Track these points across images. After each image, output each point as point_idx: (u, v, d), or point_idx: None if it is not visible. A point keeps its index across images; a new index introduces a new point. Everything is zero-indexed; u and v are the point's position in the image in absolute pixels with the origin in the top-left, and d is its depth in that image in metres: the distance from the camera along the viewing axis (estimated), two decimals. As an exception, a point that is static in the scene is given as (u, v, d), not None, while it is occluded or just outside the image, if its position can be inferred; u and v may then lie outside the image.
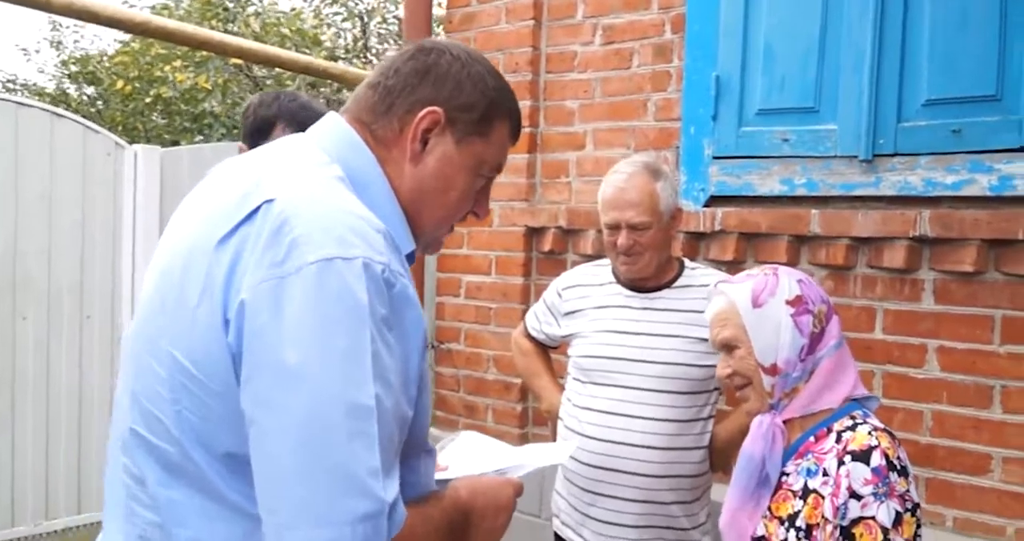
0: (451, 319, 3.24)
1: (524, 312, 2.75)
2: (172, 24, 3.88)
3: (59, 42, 11.68)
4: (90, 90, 11.39)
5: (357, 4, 10.24)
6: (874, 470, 1.28)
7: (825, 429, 1.40)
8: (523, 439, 3.06)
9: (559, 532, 2.09)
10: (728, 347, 1.47)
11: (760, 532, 1.41)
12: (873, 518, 1.25)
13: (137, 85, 9.97)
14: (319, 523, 0.82)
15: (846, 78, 2.36)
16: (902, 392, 2.28)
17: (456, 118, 1.05)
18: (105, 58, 11.13)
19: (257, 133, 1.86)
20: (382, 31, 10.35)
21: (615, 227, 1.95)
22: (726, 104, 2.59)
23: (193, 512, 0.91)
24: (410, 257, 1.04)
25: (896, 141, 2.28)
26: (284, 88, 8.08)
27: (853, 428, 1.36)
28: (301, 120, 1.80)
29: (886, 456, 1.29)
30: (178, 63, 9.44)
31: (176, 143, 9.46)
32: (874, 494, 1.26)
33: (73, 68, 11.33)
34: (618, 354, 1.96)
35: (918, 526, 1.28)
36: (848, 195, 2.36)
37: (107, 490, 1.03)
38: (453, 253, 3.21)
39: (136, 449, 0.95)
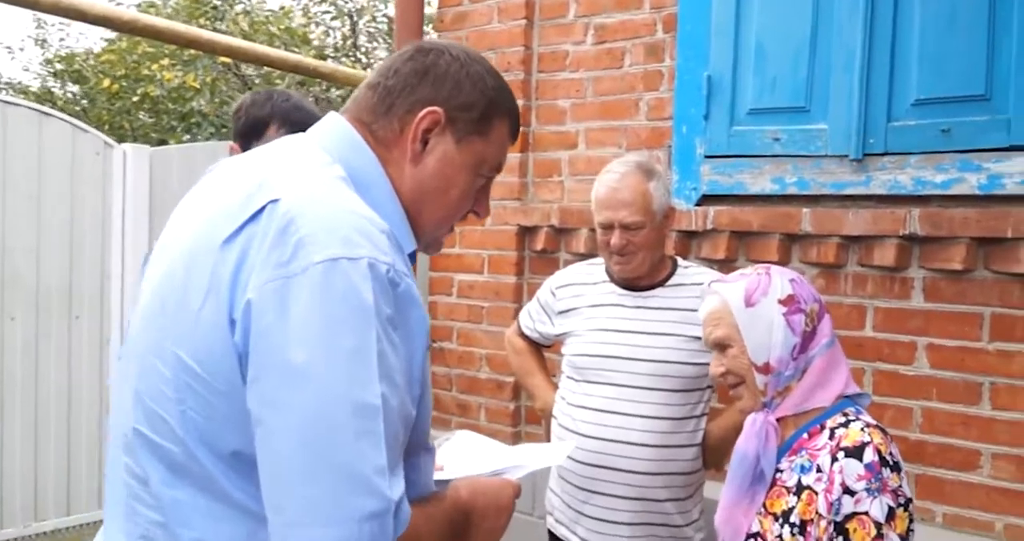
0: (444, 318, 3.25)
1: (517, 311, 2.76)
2: (161, 22, 3.86)
3: (44, 40, 11.58)
4: (75, 88, 11.31)
5: (346, 2, 10.22)
6: (867, 466, 1.29)
7: (818, 426, 1.41)
8: (516, 437, 3.06)
9: (553, 530, 2.10)
10: (721, 346, 1.48)
11: (755, 528, 1.42)
12: (866, 513, 1.27)
13: (124, 84, 9.91)
14: (326, 522, 0.82)
15: (837, 78, 2.37)
16: (892, 389, 2.30)
17: (456, 118, 1.05)
18: (91, 56, 11.05)
19: (250, 133, 1.85)
20: (371, 30, 10.33)
21: (608, 227, 1.96)
22: (718, 103, 2.60)
23: (197, 512, 0.91)
24: (411, 257, 1.04)
25: (886, 140, 2.30)
26: (273, 87, 8.05)
27: (846, 425, 1.37)
28: (295, 121, 1.79)
29: (879, 452, 1.30)
30: (166, 61, 9.39)
31: (163, 142, 9.41)
32: (867, 490, 1.28)
33: (58, 66, 11.24)
34: (612, 352, 1.97)
35: (911, 521, 1.29)
36: (839, 194, 2.38)
37: (107, 490, 1.03)
38: (446, 252, 3.21)
39: (139, 449, 0.95)
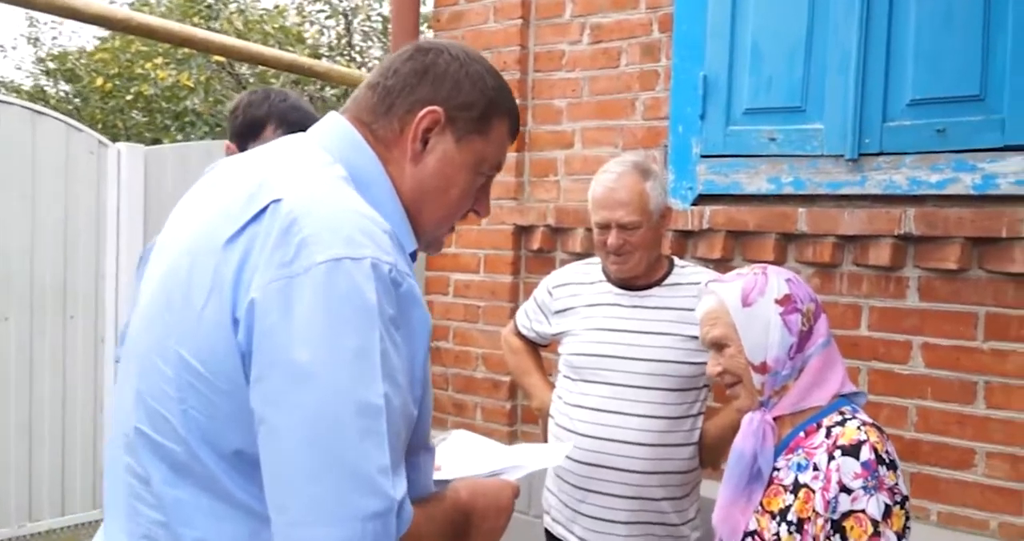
0: (440, 317, 3.25)
1: (513, 310, 2.76)
2: (156, 21, 3.85)
3: (37, 38, 11.53)
4: (67, 87, 11.26)
5: (341, 1, 10.19)
6: (863, 464, 1.30)
7: (815, 425, 1.42)
8: (512, 437, 3.07)
9: (550, 529, 2.10)
10: (718, 345, 1.49)
11: (752, 527, 1.42)
12: (863, 511, 1.28)
13: (117, 82, 9.87)
14: (330, 521, 0.82)
15: (832, 78, 2.38)
16: (887, 388, 2.31)
17: (456, 117, 1.05)
18: (84, 55, 11.01)
19: (247, 133, 1.84)
20: (366, 28, 10.31)
21: (605, 226, 1.96)
22: (714, 103, 2.61)
23: (199, 511, 0.91)
24: (412, 256, 1.04)
25: (881, 140, 2.31)
26: (267, 86, 8.04)
27: (842, 423, 1.38)
28: (292, 121, 1.79)
29: (875, 450, 1.31)
30: (159, 60, 9.35)
31: (157, 141, 9.37)
32: (864, 487, 1.29)
33: (51, 65, 11.19)
34: (609, 352, 1.98)
35: (907, 518, 1.30)
36: (834, 194, 2.39)
37: (107, 489, 1.03)
38: (442, 251, 3.20)
39: (141, 448, 0.95)
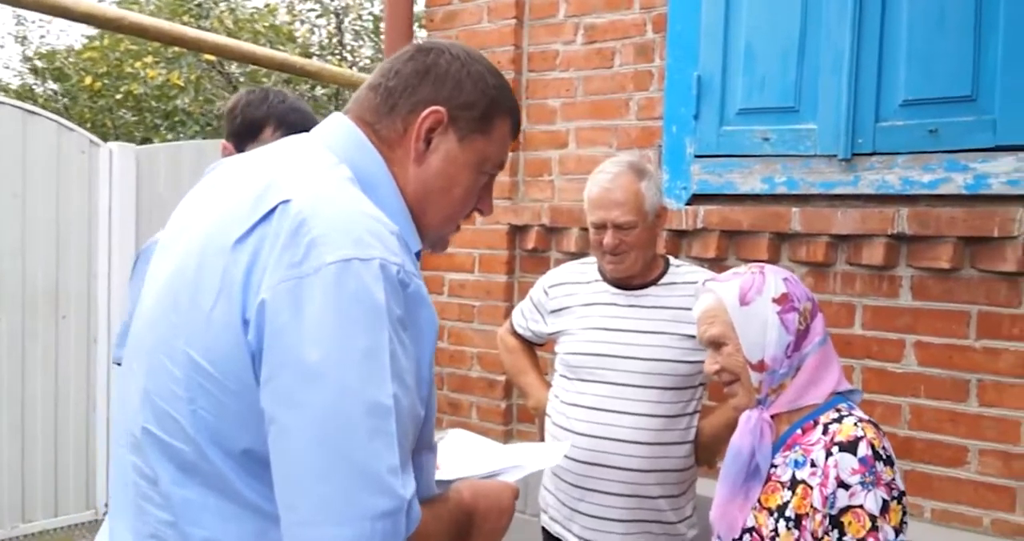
0: (434, 317, 3.24)
1: (508, 310, 2.77)
2: (147, 20, 3.83)
3: (24, 37, 11.44)
4: (55, 86, 11.18)
5: (332, 0, 10.17)
6: (861, 460, 1.31)
7: (812, 422, 1.43)
8: (508, 436, 3.07)
9: (547, 527, 2.11)
10: (716, 344, 1.50)
11: (750, 523, 1.44)
12: (861, 506, 1.29)
13: (106, 81, 9.80)
14: (339, 520, 0.83)
15: (825, 78, 2.40)
16: (881, 386, 2.33)
17: (458, 117, 1.06)
18: (73, 54, 10.93)
19: (245, 133, 1.83)
20: (357, 27, 10.29)
21: (601, 226, 1.97)
22: (707, 103, 2.62)
23: (207, 511, 0.91)
24: (417, 256, 1.05)
25: (874, 140, 2.33)
26: (259, 85, 8.00)
27: (839, 420, 1.39)
28: (291, 122, 1.79)
29: (872, 446, 1.33)
30: (149, 59, 9.29)
31: (147, 140, 9.32)
32: (861, 483, 1.30)
33: (39, 64, 11.11)
34: (605, 351, 1.98)
35: (904, 514, 1.32)
36: (828, 193, 2.41)
37: (113, 489, 1.03)
38: (438, 251, 3.21)
39: (149, 448, 0.95)
